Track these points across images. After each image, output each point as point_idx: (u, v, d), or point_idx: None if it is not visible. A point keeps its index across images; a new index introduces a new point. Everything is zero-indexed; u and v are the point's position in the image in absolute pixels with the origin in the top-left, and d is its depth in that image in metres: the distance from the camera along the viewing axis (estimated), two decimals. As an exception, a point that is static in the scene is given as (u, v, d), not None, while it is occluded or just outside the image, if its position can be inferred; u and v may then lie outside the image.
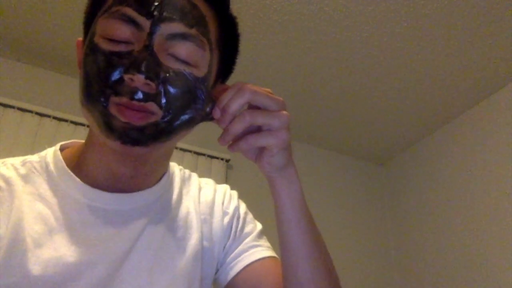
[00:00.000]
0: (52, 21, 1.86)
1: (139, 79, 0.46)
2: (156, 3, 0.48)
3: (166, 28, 0.48)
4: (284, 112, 0.50)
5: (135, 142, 0.48)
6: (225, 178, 2.24)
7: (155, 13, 0.48)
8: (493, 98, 2.19)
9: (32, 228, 0.50)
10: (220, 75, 0.58)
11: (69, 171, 0.56)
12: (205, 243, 0.62)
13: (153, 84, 0.47)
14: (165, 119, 0.48)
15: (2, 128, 1.86)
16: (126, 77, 0.46)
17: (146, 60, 0.46)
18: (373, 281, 2.51)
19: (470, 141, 2.28)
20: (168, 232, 0.59)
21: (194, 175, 0.71)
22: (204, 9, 0.52)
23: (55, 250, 0.50)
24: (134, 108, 0.47)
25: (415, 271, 2.46)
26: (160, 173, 0.62)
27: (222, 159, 2.26)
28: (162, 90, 0.48)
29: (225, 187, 0.72)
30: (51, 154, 0.58)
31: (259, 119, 0.48)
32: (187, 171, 0.71)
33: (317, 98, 2.28)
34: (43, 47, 2.01)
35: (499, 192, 2.06)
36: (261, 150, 0.52)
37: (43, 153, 0.59)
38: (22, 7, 1.80)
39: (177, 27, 0.49)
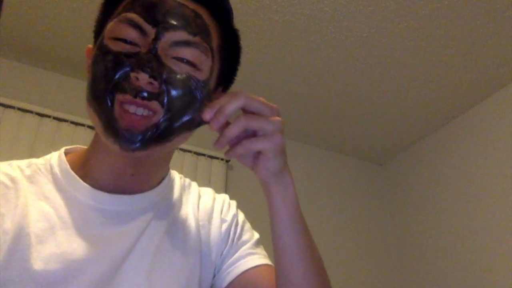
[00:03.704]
0: (52, 21, 1.86)
1: (143, 78, 0.48)
2: (161, 12, 0.51)
3: (171, 36, 0.51)
4: (278, 117, 0.51)
5: (135, 149, 0.50)
6: (225, 179, 2.24)
7: (161, 21, 0.51)
8: (493, 98, 2.20)
9: (36, 225, 0.52)
10: (221, 84, 0.60)
11: (73, 173, 0.58)
12: (203, 248, 0.63)
13: (156, 83, 0.49)
14: (166, 119, 0.50)
15: (2, 128, 1.86)
16: (132, 75, 0.49)
17: (151, 61, 0.49)
18: (373, 281, 2.51)
19: (470, 141, 2.28)
20: (167, 234, 0.60)
21: (194, 184, 0.72)
22: (207, 19, 0.55)
23: (57, 246, 0.51)
24: (138, 104, 0.49)
25: (415, 271, 2.46)
26: (160, 176, 0.63)
27: (222, 159, 2.26)
28: (165, 90, 0.50)
29: (224, 196, 0.73)
30: (55, 157, 0.61)
31: (254, 123, 0.49)
32: (187, 180, 0.72)
33: (317, 98, 2.28)
34: (43, 48, 2.01)
35: (499, 192, 2.06)
36: (257, 156, 0.52)
37: (48, 156, 0.61)
38: (23, 7, 1.80)
39: (181, 35, 0.52)
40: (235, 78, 0.64)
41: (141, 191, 0.60)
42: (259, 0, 1.73)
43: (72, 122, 2.00)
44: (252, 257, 0.65)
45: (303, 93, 2.25)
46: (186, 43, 0.52)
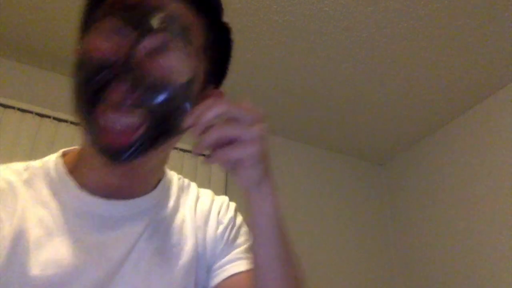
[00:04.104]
0: (52, 21, 1.86)
1: (123, 89, 0.48)
2: (141, 14, 0.51)
3: (151, 39, 0.50)
4: (259, 125, 0.49)
5: (123, 161, 0.50)
6: (225, 179, 2.24)
7: (140, 24, 0.50)
8: (493, 98, 2.20)
9: (33, 230, 0.52)
10: (212, 81, 0.59)
11: (68, 177, 0.58)
12: (199, 250, 0.63)
13: (137, 93, 0.49)
14: (151, 128, 0.50)
15: (2, 128, 1.86)
16: (111, 86, 0.49)
17: (131, 70, 0.48)
18: (373, 281, 2.51)
19: (470, 141, 2.28)
20: (164, 238, 0.61)
21: (193, 185, 0.72)
22: (191, 17, 0.54)
23: (54, 252, 0.52)
24: (121, 112, 0.49)
25: (415, 271, 2.46)
26: (154, 180, 0.63)
27: (222, 159, 2.25)
28: (147, 98, 0.49)
29: (224, 198, 0.72)
30: (53, 160, 0.61)
31: (231, 132, 0.48)
32: (186, 180, 0.72)
33: (317, 98, 2.28)
34: (43, 48, 2.01)
35: (499, 192, 2.06)
36: (236, 163, 0.51)
37: (45, 158, 0.61)
38: (22, 7, 1.80)
39: (161, 38, 0.51)
40: (228, 73, 0.63)
41: (137, 195, 0.60)
42: (259, 0, 1.73)
43: (72, 122, 2.00)
44: (242, 261, 0.64)
45: (303, 93, 2.25)
46: (166, 47, 0.51)
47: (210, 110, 0.48)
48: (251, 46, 1.94)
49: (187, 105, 0.52)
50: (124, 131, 0.49)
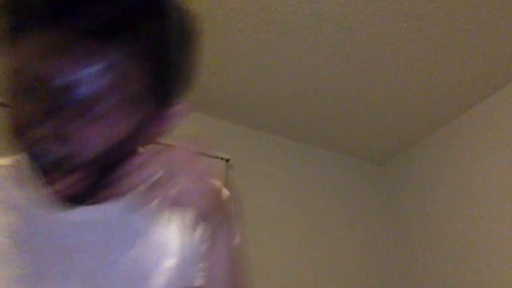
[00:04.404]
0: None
1: (56, 158, 0.45)
2: (60, 85, 0.43)
3: (72, 111, 0.44)
4: (206, 178, 0.48)
5: (83, 205, 0.49)
6: (225, 178, 2.24)
7: (63, 97, 0.44)
8: (493, 98, 2.20)
9: (3, 240, 0.50)
10: (170, 100, 0.53)
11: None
12: (186, 252, 0.61)
13: (71, 162, 0.45)
14: (94, 180, 0.47)
15: (2, 128, 1.86)
16: (41, 151, 0.45)
17: (52, 140, 0.44)
18: (374, 280, 2.51)
19: (470, 141, 2.28)
20: (146, 239, 0.58)
21: None
22: (126, 60, 0.45)
23: (22, 267, 0.49)
24: (59, 174, 0.46)
25: (416, 271, 2.46)
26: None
27: (222, 158, 2.26)
28: (83, 164, 0.46)
29: None
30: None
31: (176, 188, 0.45)
32: None
33: (317, 98, 2.28)
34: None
35: (499, 191, 2.06)
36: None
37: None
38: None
39: (83, 108, 0.44)
40: (228, 74, 0.61)
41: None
42: (259, 0, 1.73)
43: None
44: None
45: (303, 93, 2.25)
46: (93, 115, 0.44)
47: (146, 169, 0.44)
48: (251, 46, 1.94)
49: (129, 154, 0.48)
50: (67, 186, 0.46)
